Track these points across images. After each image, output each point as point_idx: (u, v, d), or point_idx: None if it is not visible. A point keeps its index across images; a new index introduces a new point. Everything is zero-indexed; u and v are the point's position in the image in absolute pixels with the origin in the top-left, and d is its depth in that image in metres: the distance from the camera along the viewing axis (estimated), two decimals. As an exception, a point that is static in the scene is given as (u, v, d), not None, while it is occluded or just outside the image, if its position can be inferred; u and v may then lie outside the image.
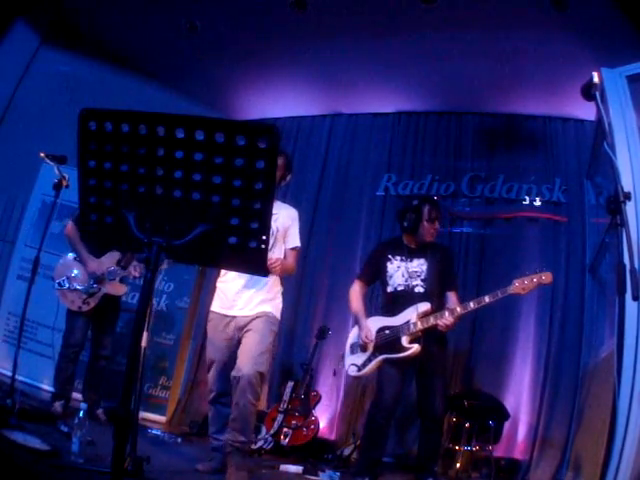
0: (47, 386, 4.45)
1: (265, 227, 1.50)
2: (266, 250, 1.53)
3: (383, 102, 5.46)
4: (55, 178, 3.52)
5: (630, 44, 3.33)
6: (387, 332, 3.25)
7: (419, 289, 3.28)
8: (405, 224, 3.37)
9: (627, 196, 1.88)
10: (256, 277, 2.81)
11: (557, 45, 4.10)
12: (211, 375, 2.93)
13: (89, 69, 5.12)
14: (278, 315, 2.96)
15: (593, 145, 3.73)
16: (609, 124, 2.55)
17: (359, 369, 3.28)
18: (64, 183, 3.51)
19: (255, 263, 1.57)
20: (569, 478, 3.59)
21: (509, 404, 4.28)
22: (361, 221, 5.33)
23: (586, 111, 4.46)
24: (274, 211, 2.72)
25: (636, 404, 2.18)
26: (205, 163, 1.45)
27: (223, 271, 3.03)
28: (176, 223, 1.51)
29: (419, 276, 3.30)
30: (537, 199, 4.89)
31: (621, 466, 2.13)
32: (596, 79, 2.09)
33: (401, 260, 3.35)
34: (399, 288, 3.32)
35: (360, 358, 3.30)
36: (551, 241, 4.76)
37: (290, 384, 4.46)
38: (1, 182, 4.82)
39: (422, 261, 3.33)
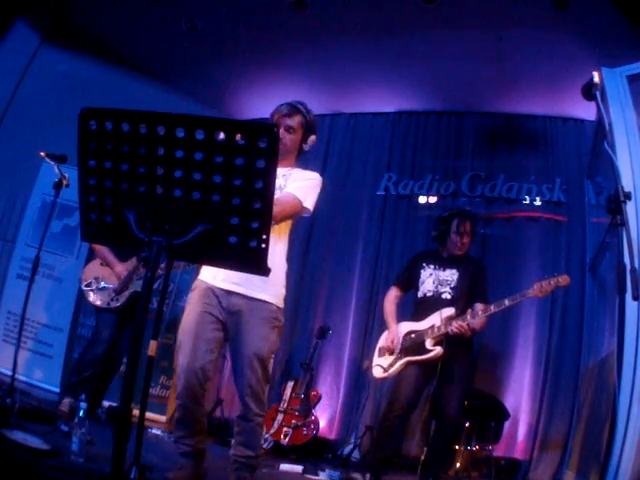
0: (47, 385, 4.45)
1: (265, 227, 1.50)
2: (266, 249, 1.52)
3: (383, 102, 5.46)
4: (55, 177, 3.51)
5: (630, 44, 3.33)
6: (413, 336, 3.35)
7: (446, 295, 3.37)
8: (434, 234, 3.54)
9: (627, 196, 1.88)
10: None
11: (557, 45, 4.11)
12: (180, 362, 2.31)
13: (89, 68, 5.12)
14: (281, 303, 2.42)
15: (593, 145, 3.74)
16: (609, 124, 2.55)
17: (385, 370, 3.38)
18: (64, 182, 3.51)
19: (255, 263, 1.56)
20: (569, 478, 3.59)
21: (509, 404, 4.28)
22: (361, 221, 5.34)
23: (586, 111, 4.46)
24: (289, 171, 2.47)
25: (636, 404, 2.18)
26: (205, 162, 1.45)
27: None
28: (176, 222, 1.51)
29: (449, 284, 3.39)
30: (537, 199, 4.89)
31: (621, 466, 2.13)
32: (596, 79, 2.09)
33: (434, 268, 3.47)
34: (428, 294, 3.42)
35: (386, 360, 3.41)
36: (551, 241, 4.76)
37: (290, 384, 4.46)
38: (1, 181, 4.83)
39: (454, 271, 3.42)
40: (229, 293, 2.34)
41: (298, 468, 3.58)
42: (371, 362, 3.54)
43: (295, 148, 2.52)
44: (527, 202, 4.92)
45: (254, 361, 2.30)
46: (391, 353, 3.40)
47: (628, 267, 1.79)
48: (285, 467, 3.58)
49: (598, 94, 2.12)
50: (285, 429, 4.17)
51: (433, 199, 5.15)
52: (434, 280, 3.42)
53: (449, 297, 3.36)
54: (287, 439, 4.12)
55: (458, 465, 3.90)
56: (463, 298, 3.35)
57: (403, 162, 5.41)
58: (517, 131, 5.12)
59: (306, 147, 2.56)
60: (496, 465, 3.97)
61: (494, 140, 5.19)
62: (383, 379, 3.51)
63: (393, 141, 5.49)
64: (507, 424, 4.21)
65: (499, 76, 4.67)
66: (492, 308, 3.18)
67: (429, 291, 3.42)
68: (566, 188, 4.84)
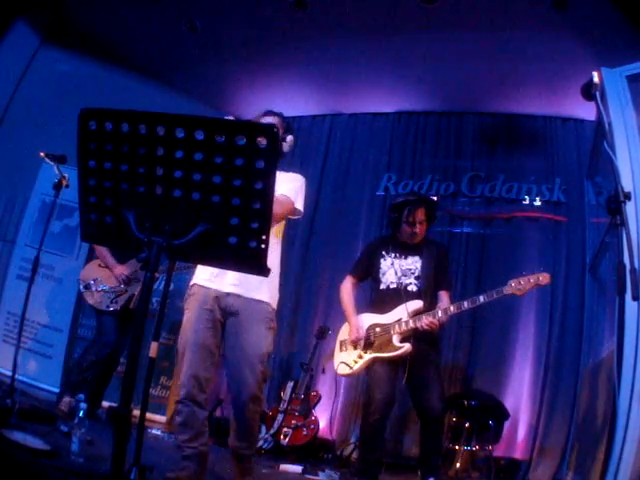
0: (47, 386, 4.45)
1: (265, 227, 1.50)
2: (266, 250, 1.52)
3: (383, 102, 5.46)
4: (55, 178, 3.52)
5: (630, 44, 3.33)
6: (377, 330, 3.17)
7: (412, 287, 3.20)
8: (386, 222, 3.35)
9: (627, 196, 1.88)
10: None
11: (557, 45, 4.11)
12: (186, 365, 2.38)
13: (89, 69, 5.12)
14: (275, 304, 2.52)
15: (593, 145, 3.73)
16: (609, 124, 2.55)
17: (350, 367, 3.19)
18: (64, 183, 3.52)
19: (255, 263, 1.56)
20: (569, 478, 3.59)
21: (509, 404, 4.28)
22: (361, 221, 5.34)
23: (586, 111, 4.46)
24: None
25: (636, 404, 2.18)
26: (205, 163, 1.45)
27: None
28: (176, 223, 1.51)
29: (413, 274, 3.22)
30: (537, 199, 4.89)
31: (621, 466, 2.13)
32: (596, 79, 2.09)
33: (395, 257, 3.27)
34: (391, 286, 3.23)
35: (350, 356, 3.22)
36: (551, 241, 4.77)
37: (290, 384, 4.46)
38: (1, 182, 4.82)
39: (417, 258, 3.25)
40: (227, 294, 2.42)
41: (298, 468, 3.58)
42: (332, 358, 3.35)
43: None
44: (527, 202, 4.92)
45: (253, 360, 2.36)
46: (354, 347, 3.21)
47: (628, 267, 1.79)
48: (285, 467, 3.58)
49: (598, 94, 2.12)
50: (285, 429, 4.17)
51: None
52: (396, 270, 3.22)
53: (415, 289, 3.18)
54: (287, 439, 4.12)
55: (458, 465, 3.90)
56: (429, 288, 3.19)
57: (403, 162, 5.41)
58: (517, 131, 5.12)
59: (285, 147, 2.56)
60: (496, 465, 3.96)
61: (494, 140, 5.19)
62: (349, 376, 3.32)
63: (393, 141, 5.49)
64: (507, 424, 4.20)
65: (499, 76, 4.67)
66: (465, 304, 3.01)
67: (392, 283, 3.21)
68: (566, 188, 4.84)
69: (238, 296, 2.41)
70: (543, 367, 4.45)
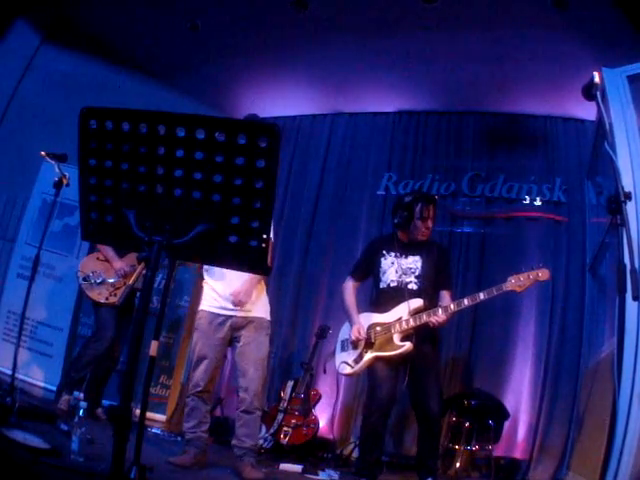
0: (47, 384, 4.44)
1: (266, 226, 1.50)
2: (267, 249, 1.53)
3: (383, 101, 5.46)
4: (55, 176, 3.52)
5: (631, 44, 3.33)
6: (378, 329, 3.16)
7: (412, 286, 3.19)
8: (396, 221, 3.29)
9: (627, 196, 1.89)
10: (243, 277, 3.01)
11: (558, 45, 4.10)
12: (200, 371, 3.01)
13: (90, 68, 5.12)
14: (269, 316, 3.14)
15: (593, 145, 3.73)
16: (610, 124, 2.56)
17: (351, 367, 3.19)
18: (64, 181, 3.51)
19: (256, 262, 1.56)
20: (569, 478, 3.59)
21: (509, 404, 4.28)
22: (361, 220, 5.33)
23: (587, 111, 4.45)
24: None
25: (636, 404, 2.18)
26: (206, 162, 1.45)
27: (206, 273, 3.15)
28: (177, 222, 1.51)
29: (413, 273, 3.21)
30: (537, 199, 4.89)
31: (621, 466, 2.13)
32: (597, 79, 2.09)
33: (395, 256, 3.25)
34: (392, 284, 3.22)
35: (351, 355, 3.21)
36: (551, 241, 4.76)
37: (290, 383, 4.46)
38: (1, 180, 4.82)
39: (417, 258, 3.23)
40: (232, 316, 3.04)
41: (298, 468, 3.57)
42: (334, 358, 3.35)
43: None
44: (527, 202, 4.92)
45: (258, 363, 2.99)
46: (355, 347, 3.20)
47: (628, 267, 1.80)
48: (285, 467, 3.57)
49: (598, 94, 2.12)
50: (285, 429, 4.17)
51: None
52: (397, 269, 3.21)
53: (415, 287, 3.17)
54: (287, 439, 4.12)
55: (458, 465, 3.90)
56: (429, 287, 3.18)
57: (403, 162, 5.40)
58: (517, 131, 5.12)
59: None
60: (496, 465, 3.96)
61: (494, 140, 5.18)
62: (350, 375, 3.33)
63: (393, 141, 5.48)
64: (507, 424, 4.20)
65: (500, 76, 4.67)
66: (465, 302, 3.02)
67: (393, 281, 3.21)
68: (566, 188, 4.83)
69: (241, 316, 3.04)
70: (543, 367, 4.45)
